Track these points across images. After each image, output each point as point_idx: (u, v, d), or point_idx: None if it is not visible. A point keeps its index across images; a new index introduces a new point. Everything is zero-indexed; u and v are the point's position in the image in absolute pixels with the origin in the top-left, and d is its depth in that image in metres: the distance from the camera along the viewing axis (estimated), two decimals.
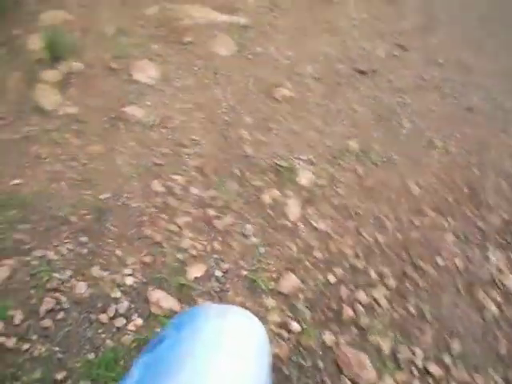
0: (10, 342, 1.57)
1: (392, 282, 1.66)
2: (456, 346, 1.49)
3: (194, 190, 2.00)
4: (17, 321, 1.62)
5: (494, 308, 1.65)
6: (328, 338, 1.53)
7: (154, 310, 1.62)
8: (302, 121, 2.34)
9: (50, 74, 2.76)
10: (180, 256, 1.77)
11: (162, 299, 1.63)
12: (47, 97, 2.60)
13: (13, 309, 1.66)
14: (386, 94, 2.49)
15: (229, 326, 0.79)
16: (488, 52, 2.76)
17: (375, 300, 1.62)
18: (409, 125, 2.30)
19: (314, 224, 1.86)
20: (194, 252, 1.78)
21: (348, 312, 1.58)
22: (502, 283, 1.73)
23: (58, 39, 2.81)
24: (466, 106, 2.39)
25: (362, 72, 2.63)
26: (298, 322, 1.57)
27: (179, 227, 1.87)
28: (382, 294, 1.63)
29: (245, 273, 1.71)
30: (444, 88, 2.50)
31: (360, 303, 1.61)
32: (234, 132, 2.27)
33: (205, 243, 1.81)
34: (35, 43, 3.02)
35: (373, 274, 1.69)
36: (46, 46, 2.82)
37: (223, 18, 3.04)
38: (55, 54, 2.83)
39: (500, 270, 1.77)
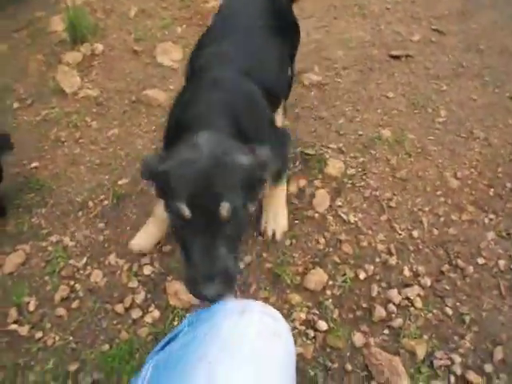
0: (24, 330, 1.52)
1: (427, 281, 1.53)
2: (498, 354, 1.36)
3: None
4: (31, 308, 1.58)
5: None
6: (357, 338, 1.41)
7: (172, 301, 1.54)
8: (332, 108, 2.21)
9: (72, 56, 2.70)
10: None
11: (181, 291, 1.55)
12: (68, 79, 2.54)
13: (27, 295, 1.61)
14: (422, 80, 2.33)
15: (249, 327, 0.71)
16: None
17: (409, 300, 1.49)
18: (446, 113, 2.14)
19: (344, 216, 1.73)
20: None
21: (379, 312, 1.46)
22: None
23: (79, 21, 2.75)
24: (509, 95, 2.22)
25: (396, 57, 2.47)
26: (325, 320, 1.46)
27: None
28: (417, 294, 1.50)
29: (269, 266, 1.61)
30: (485, 76, 2.32)
31: (392, 303, 1.49)
32: None
33: None
34: (57, 25, 2.97)
35: (407, 272, 1.56)
36: (68, 27, 2.77)
37: None
38: (77, 35, 2.77)
39: None
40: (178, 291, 1.55)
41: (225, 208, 0.97)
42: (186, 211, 0.97)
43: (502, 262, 1.57)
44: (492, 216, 1.73)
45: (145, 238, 1.68)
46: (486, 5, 2.86)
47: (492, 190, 1.81)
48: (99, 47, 2.69)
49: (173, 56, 2.58)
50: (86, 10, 2.91)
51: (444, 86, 2.31)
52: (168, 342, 0.76)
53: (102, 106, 2.35)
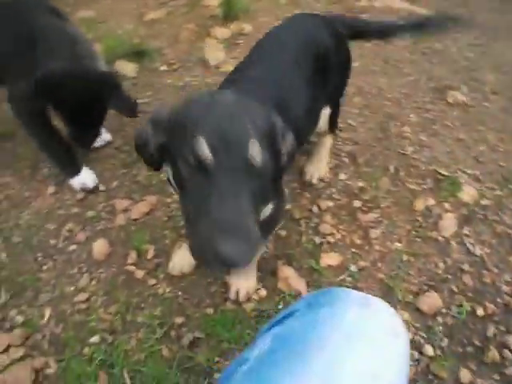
0: (140, 274, 1.64)
1: None
2: None
3: (343, 176, 1.91)
4: (149, 255, 1.70)
5: None
6: (464, 374, 1.35)
7: (280, 285, 1.58)
8: (474, 132, 2.10)
9: (220, 32, 2.84)
10: (316, 239, 1.70)
11: (292, 277, 1.58)
12: (213, 52, 2.69)
13: (147, 243, 1.74)
14: None
15: (372, 321, 0.70)
16: None
17: None
18: None
19: (470, 247, 1.65)
20: (331, 239, 1.70)
21: (493, 354, 1.38)
22: None
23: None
24: None
25: None
26: (432, 346, 1.42)
27: (321, 210, 1.80)
28: None
29: (381, 276, 1.59)
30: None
31: (509, 349, 1.40)
32: (395, 126, 2.12)
33: (344, 233, 1.72)
34: (213, 0, 3.13)
35: None
36: (222, 3, 2.91)
37: (404, 5, 2.84)
38: (229, 13, 2.90)
39: None
40: (289, 277, 1.59)
41: (254, 148, 0.83)
42: (206, 151, 0.82)
43: None
44: None
45: (183, 258, 1.64)
46: None
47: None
48: (248, 27, 2.79)
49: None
50: None
51: None
52: (285, 318, 0.77)
53: None
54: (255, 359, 0.71)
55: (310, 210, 1.80)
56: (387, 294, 1.55)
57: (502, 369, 1.37)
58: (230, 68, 2.54)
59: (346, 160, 1.97)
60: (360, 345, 0.67)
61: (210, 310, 1.53)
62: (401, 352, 0.71)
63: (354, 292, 0.77)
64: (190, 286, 1.61)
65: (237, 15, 2.88)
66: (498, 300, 1.52)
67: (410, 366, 1.38)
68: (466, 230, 1.71)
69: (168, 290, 1.60)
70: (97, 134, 1.89)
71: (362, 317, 0.71)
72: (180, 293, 1.59)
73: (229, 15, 2.89)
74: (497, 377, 1.36)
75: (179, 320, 1.50)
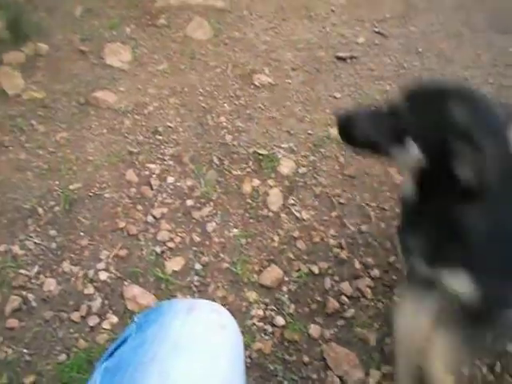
0: None
1: (377, 273, 1.62)
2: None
3: (171, 180, 1.90)
4: None
5: None
6: (313, 331, 1.48)
7: (130, 306, 1.54)
8: (282, 108, 2.27)
9: (13, 56, 2.58)
10: (157, 249, 1.68)
11: (139, 295, 1.55)
12: (10, 80, 2.43)
13: None
14: (367, 81, 2.45)
15: (197, 323, 0.73)
16: (465, 42, 2.75)
17: (360, 291, 1.58)
18: None
19: (297, 214, 1.80)
20: (171, 244, 1.70)
21: (333, 303, 1.53)
22: None
23: (20, 18, 2.63)
24: None
25: (342, 59, 2.57)
26: (282, 315, 1.52)
27: (156, 218, 1.78)
28: (367, 285, 1.59)
29: (226, 265, 1.64)
30: (424, 77, 2.47)
31: (345, 295, 1.57)
32: (212, 119, 2.18)
33: (183, 235, 1.73)
34: None
35: (357, 265, 1.65)
36: (8, 25, 2.64)
37: (198, 1, 2.91)
38: (18, 34, 2.65)
39: None
40: (136, 295, 1.55)
41: None
42: None
43: None
44: None
45: None
46: (422, 9, 3.03)
47: None
48: (44, 47, 2.59)
49: (122, 57, 2.53)
50: (26, 7, 2.79)
51: (387, 86, 2.43)
52: (118, 347, 0.76)
53: (48, 108, 2.27)
54: None
55: (146, 222, 1.77)
56: (233, 280, 1.60)
57: (342, 314, 1.52)
58: (33, 95, 2.35)
59: (171, 163, 1.97)
60: (187, 350, 0.68)
61: (63, 357, 1.42)
62: (228, 343, 0.73)
63: (180, 301, 0.80)
64: (34, 339, 1.46)
65: (28, 36, 2.64)
66: (329, 254, 1.69)
67: (266, 340, 1.46)
68: (291, 200, 1.85)
69: (10, 351, 1.43)
70: None
71: (186, 322, 0.72)
72: (25, 350, 1.44)
73: (19, 37, 2.63)
74: (341, 322, 1.51)
75: (29, 380, 1.36)
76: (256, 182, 1.90)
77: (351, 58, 2.59)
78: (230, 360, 0.71)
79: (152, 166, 1.96)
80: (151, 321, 0.75)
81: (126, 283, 1.60)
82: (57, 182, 1.91)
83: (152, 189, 1.86)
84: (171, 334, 0.70)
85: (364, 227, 1.76)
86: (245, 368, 0.79)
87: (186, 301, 0.79)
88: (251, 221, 1.78)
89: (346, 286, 1.59)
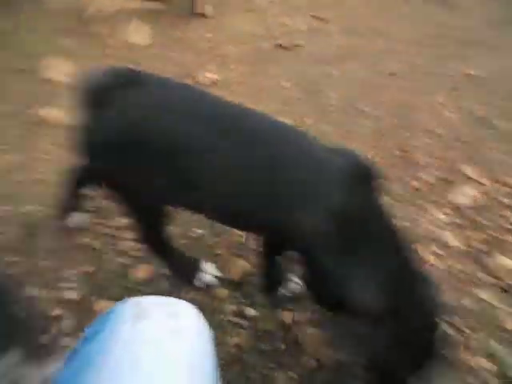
0: None
1: None
2: None
3: None
4: None
5: None
6: (286, 318, 1.51)
7: None
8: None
9: None
10: (123, 260, 1.67)
11: (107, 307, 1.52)
12: None
13: None
14: (311, 67, 2.49)
15: (144, 333, 0.64)
16: (403, 19, 2.84)
17: None
18: (335, 95, 2.31)
19: None
20: (137, 253, 1.69)
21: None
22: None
23: None
24: (388, 72, 2.45)
25: (285, 47, 2.60)
26: (253, 306, 1.54)
27: (117, 229, 1.76)
28: None
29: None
30: (365, 56, 2.54)
31: None
32: None
33: None
34: None
35: None
36: None
37: (133, 4, 2.87)
38: None
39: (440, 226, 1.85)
40: (104, 308, 1.53)
41: None
42: None
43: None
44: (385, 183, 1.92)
45: None
46: None
47: (384, 160, 2.01)
48: None
49: (61, 70, 2.47)
50: None
51: (331, 69, 2.48)
52: (63, 368, 0.66)
53: None
54: None
55: (108, 235, 1.75)
56: None
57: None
58: None
59: None
60: (137, 371, 0.59)
61: None
62: (188, 347, 0.66)
63: (129, 305, 0.68)
64: None
65: None
66: None
67: (239, 332, 1.48)
68: None
69: None
70: None
71: (135, 332, 0.63)
72: None
73: None
74: (310, 305, 1.55)
75: None
76: None
77: (294, 45, 2.63)
78: (190, 366, 0.63)
79: None
80: (97, 331, 0.65)
81: (94, 299, 1.58)
82: (9, 208, 1.85)
83: (109, 200, 1.84)
84: (116, 350, 0.61)
85: None
86: (214, 367, 0.72)
87: (136, 305, 0.67)
88: None
89: None
